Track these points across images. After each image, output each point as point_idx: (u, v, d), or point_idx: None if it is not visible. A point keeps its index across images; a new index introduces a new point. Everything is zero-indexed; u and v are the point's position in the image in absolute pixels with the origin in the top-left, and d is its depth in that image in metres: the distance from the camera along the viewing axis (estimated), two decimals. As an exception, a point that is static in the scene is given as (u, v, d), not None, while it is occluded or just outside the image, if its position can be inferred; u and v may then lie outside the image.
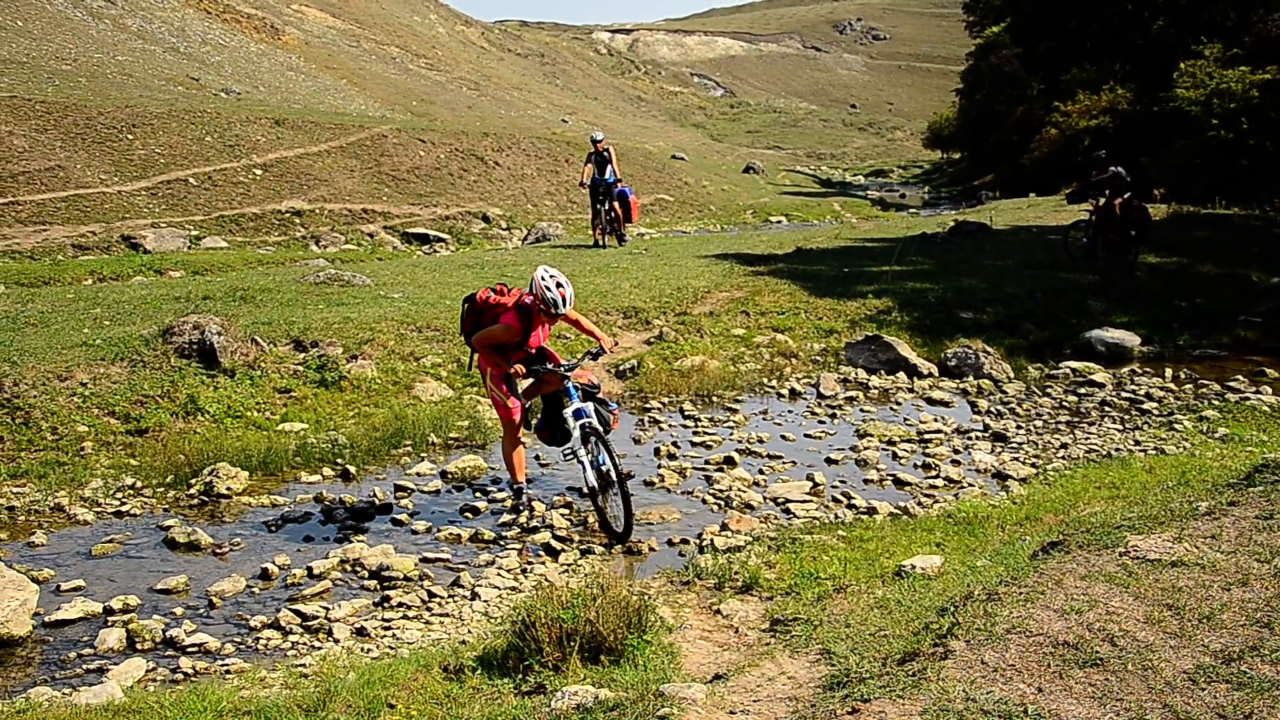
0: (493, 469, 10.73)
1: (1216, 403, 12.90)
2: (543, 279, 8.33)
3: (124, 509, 9.55)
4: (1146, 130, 34.55)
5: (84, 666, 6.90)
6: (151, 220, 25.45)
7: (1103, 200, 19.25)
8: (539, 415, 9.54)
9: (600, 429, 8.57)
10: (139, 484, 10.03)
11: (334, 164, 31.47)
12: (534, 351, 8.94)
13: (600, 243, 23.69)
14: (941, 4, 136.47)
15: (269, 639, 7.29)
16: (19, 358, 11.65)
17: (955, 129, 68.88)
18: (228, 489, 9.88)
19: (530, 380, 9.16)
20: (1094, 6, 44.85)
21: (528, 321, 8.64)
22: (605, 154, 22.92)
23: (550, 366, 8.82)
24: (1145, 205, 20.02)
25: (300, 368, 12.52)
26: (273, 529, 9.19)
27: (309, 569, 8.29)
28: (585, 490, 8.88)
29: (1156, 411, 12.73)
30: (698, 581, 6.85)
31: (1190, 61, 33.38)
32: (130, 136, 28.63)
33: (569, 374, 8.77)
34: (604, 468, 8.50)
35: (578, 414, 8.59)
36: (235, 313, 13.77)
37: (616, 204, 23.34)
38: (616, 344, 8.53)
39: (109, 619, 7.51)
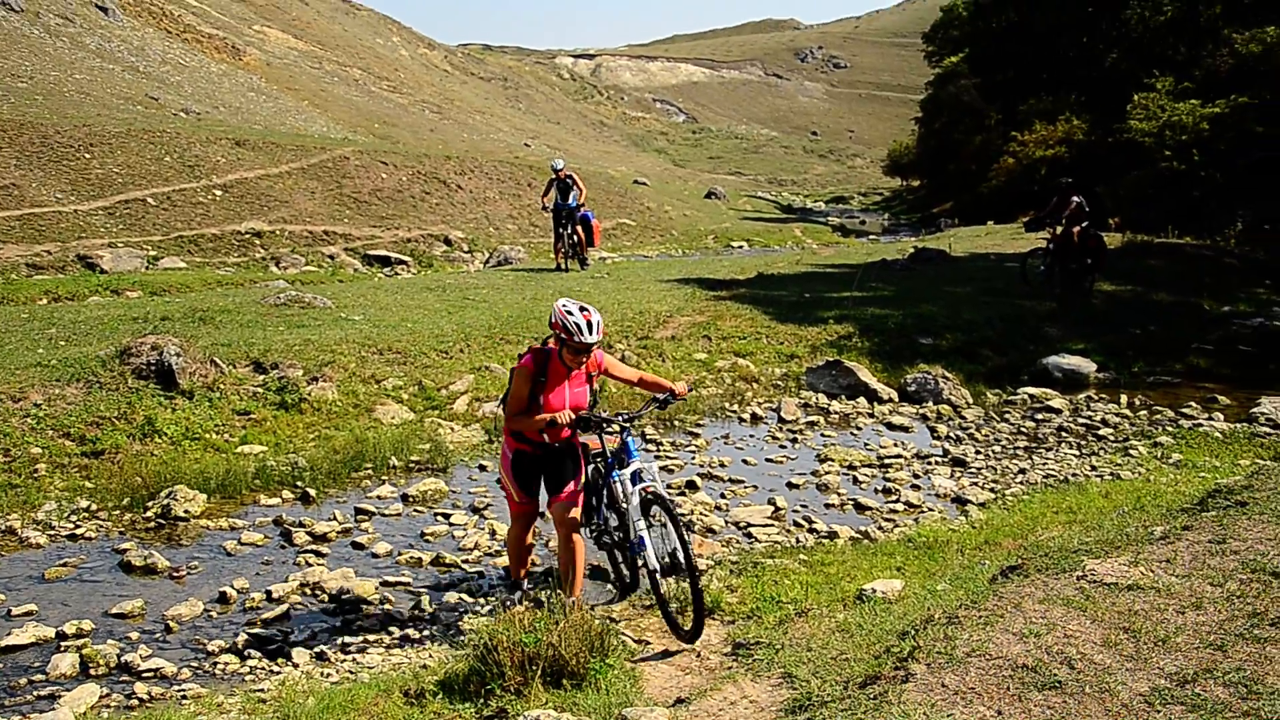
0: (454, 492, 10.70)
1: (1170, 429, 13.07)
2: (563, 305, 6.65)
3: (78, 532, 9.42)
4: (1102, 160, 35.00)
5: (35, 693, 6.78)
6: (109, 240, 25.21)
7: (1060, 229, 19.46)
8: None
9: (665, 496, 6.68)
10: (94, 507, 9.90)
11: (295, 185, 31.32)
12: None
13: (563, 266, 23.72)
14: (901, 34, 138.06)
15: (227, 664, 7.21)
16: (-28, 378, 11.49)
17: (915, 157, 69.47)
18: (185, 511, 9.78)
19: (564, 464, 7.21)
20: (1051, 39, 45.58)
21: (544, 366, 6.80)
22: (568, 180, 23.01)
23: (602, 415, 7.03)
24: (1101, 234, 20.29)
25: (260, 389, 12.42)
26: (231, 552, 9.11)
27: (268, 592, 8.22)
28: (635, 559, 7.14)
29: (1112, 437, 12.87)
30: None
31: (1143, 94, 33.90)
32: (88, 155, 28.36)
33: (629, 424, 6.98)
34: (674, 548, 6.51)
35: (636, 477, 6.75)
36: (194, 334, 13.65)
37: (579, 228, 23.40)
38: (692, 389, 7.47)
39: (62, 644, 7.39)
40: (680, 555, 6.39)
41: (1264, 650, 4.70)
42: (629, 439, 6.85)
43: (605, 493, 7.21)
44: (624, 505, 6.78)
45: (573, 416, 6.64)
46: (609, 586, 7.96)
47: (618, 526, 7.11)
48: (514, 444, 7.05)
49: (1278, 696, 4.31)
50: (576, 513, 7.09)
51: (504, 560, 9.00)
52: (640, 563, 6.76)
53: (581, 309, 6.58)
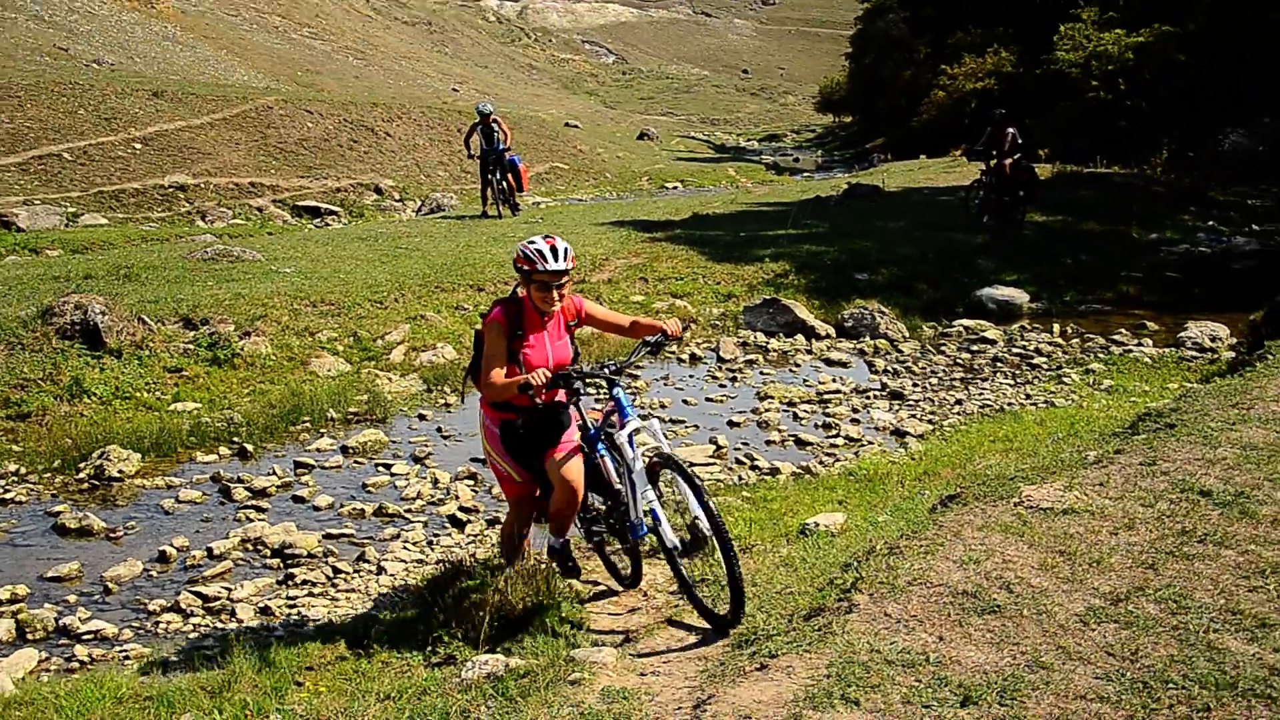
0: (394, 442, 10.65)
1: (1102, 356, 13.31)
2: (528, 239, 5.71)
3: (8, 496, 9.27)
4: (1030, 92, 35.22)
5: None
6: (24, 197, 24.55)
7: (993, 161, 19.58)
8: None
9: (676, 457, 5.55)
10: (23, 470, 9.74)
11: (218, 137, 30.69)
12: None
13: (495, 213, 23.48)
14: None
15: (169, 622, 7.18)
16: (-111, 344, 11.25)
17: (846, 93, 69.54)
18: (120, 472, 9.66)
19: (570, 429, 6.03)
20: (978, -30, 45.59)
21: (518, 318, 5.78)
22: (494, 124, 22.69)
23: (584, 368, 5.87)
24: (1033, 166, 20.45)
25: (191, 346, 12.25)
26: (169, 511, 9.02)
27: (209, 550, 8.17)
28: (636, 544, 6.04)
29: (1046, 366, 13.09)
30: (605, 547, 6.91)
31: (1070, 25, 34.12)
32: (-4, 110, 27.63)
33: (617, 376, 5.84)
34: (695, 517, 5.38)
35: (634, 437, 5.66)
36: (120, 291, 13.41)
37: (509, 174, 23.16)
38: (687, 328, 6.17)
39: None
40: (704, 525, 5.32)
41: (1192, 566, 4.84)
42: (620, 394, 5.78)
43: (591, 471, 6.04)
44: (617, 483, 5.79)
45: (548, 375, 5.45)
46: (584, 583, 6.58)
47: (610, 510, 6.05)
48: (497, 415, 5.92)
49: (1205, 610, 4.44)
50: (579, 464, 5.86)
51: (447, 508, 9.01)
52: (651, 543, 5.75)
53: (545, 237, 5.68)
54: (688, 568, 5.58)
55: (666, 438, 7.85)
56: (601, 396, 9.78)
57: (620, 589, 6.34)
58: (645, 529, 5.62)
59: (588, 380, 5.86)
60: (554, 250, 5.58)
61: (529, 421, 5.89)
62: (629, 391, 12.27)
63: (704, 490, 5.33)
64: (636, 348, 6.00)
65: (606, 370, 5.80)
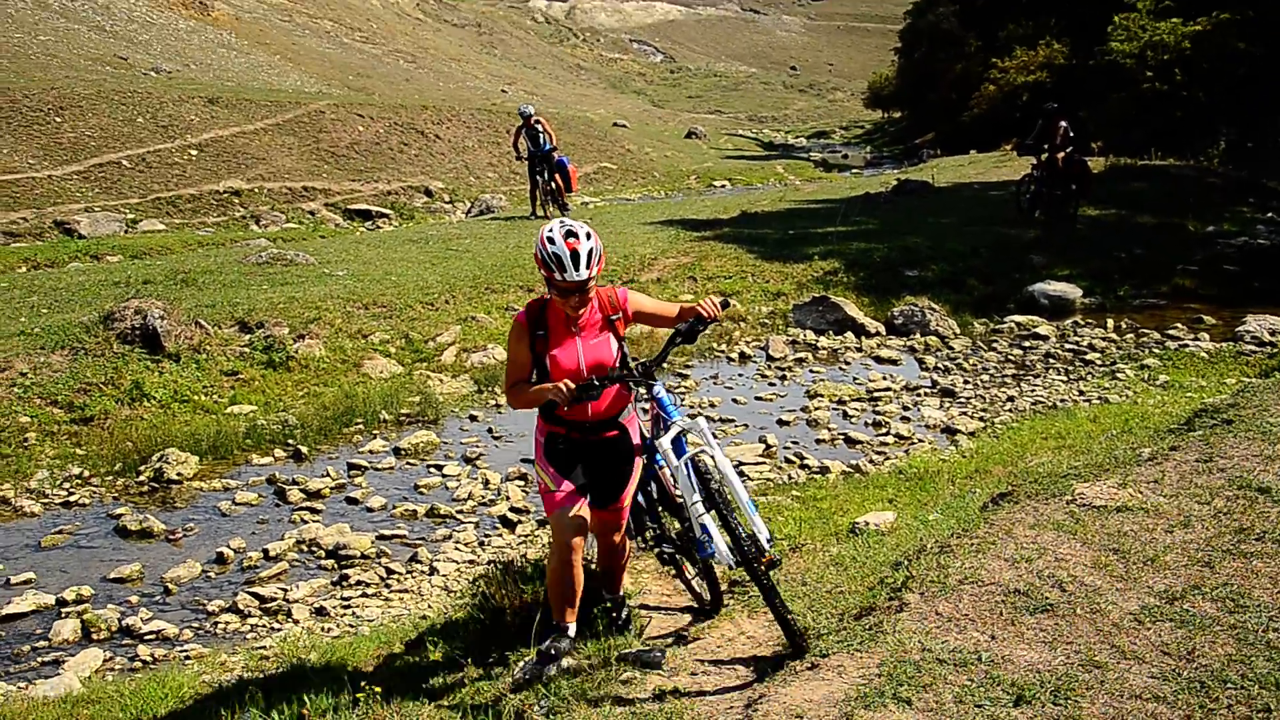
0: (446, 443, 10.73)
1: (1157, 351, 13.14)
2: (545, 232, 4.75)
3: (72, 499, 9.47)
4: (1083, 85, 34.78)
5: (39, 659, 6.89)
6: (85, 205, 24.96)
7: (1045, 155, 19.39)
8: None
9: (724, 461, 4.76)
10: (86, 473, 9.94)
11: (271, 142, 31.03)
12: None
13: (544, 214, 23.55)
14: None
15: (227, 623, 7.30)
16: (-46, 351, 11.49)
17: (895, 88, 68.97)
18: (178, 474, 9.82)
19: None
20: (1029, -38, 45.16)
21: (541, 317, 4.96)
22: (537, 125, 22.73)
23: (610, 372, 4.91)
24: (1085, 159, 20.22)
25: (246, 349, 12.42)
26: (226, 513, 9.15)
27: (265, 551, 8.29)
28: (707, 563, 5.27)
29: (1099, 361, 12.94)
30: (641, 542, 6.92)
31: (1124, 14, 33.61)
32: (58, 119, 28.02)
33: (648, 375, 4.95)
34: (754, 530, 4.63)
35: (680, 444, 4.84)
36: (177, 296, 13.61)
37: (557, 174, 23.21)
38: (726, 305, 4.99)
39: (62, 610, 7.47)
40: (762, 537, 4.61)
41: (1250, 565, 4.78)
42: (661, 394, 4.99)
43: (655, 488, 5.44)
44: (679, 496, 4.93)
45: (571, 388, 4.62)
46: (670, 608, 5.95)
47: (681, 530, 5.35)
48: (546, 426, 5.10)
49: (1263, 609, 4.38)
50: (618, 536, 5.22)
51: (498, 509, 9.04)
52: (717, 557, 4.71)
53: (567, 234, 4.68)
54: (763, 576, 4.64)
55: (716, 437, 7.07)
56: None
57: (701, 607, 5.67)
58: (723, 557, 4.66)
59: (618, 385, 4.97)
60: (574, 256, 4.64)
61: (579, 441, 5.03)
62: (676, 391, 12.29)
63: (751, 506, 4.66)
64: (669, 339, 5.05)
65: (635, 371, 4.95)
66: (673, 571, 5.96)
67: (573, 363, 4.87)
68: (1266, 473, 5.80)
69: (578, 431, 5.01)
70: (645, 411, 5.09)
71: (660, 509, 5.51)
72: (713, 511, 4.69)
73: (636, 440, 5.19)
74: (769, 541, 4.58)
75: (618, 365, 4.97)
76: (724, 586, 5.70)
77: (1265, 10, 29.32)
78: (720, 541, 4.62)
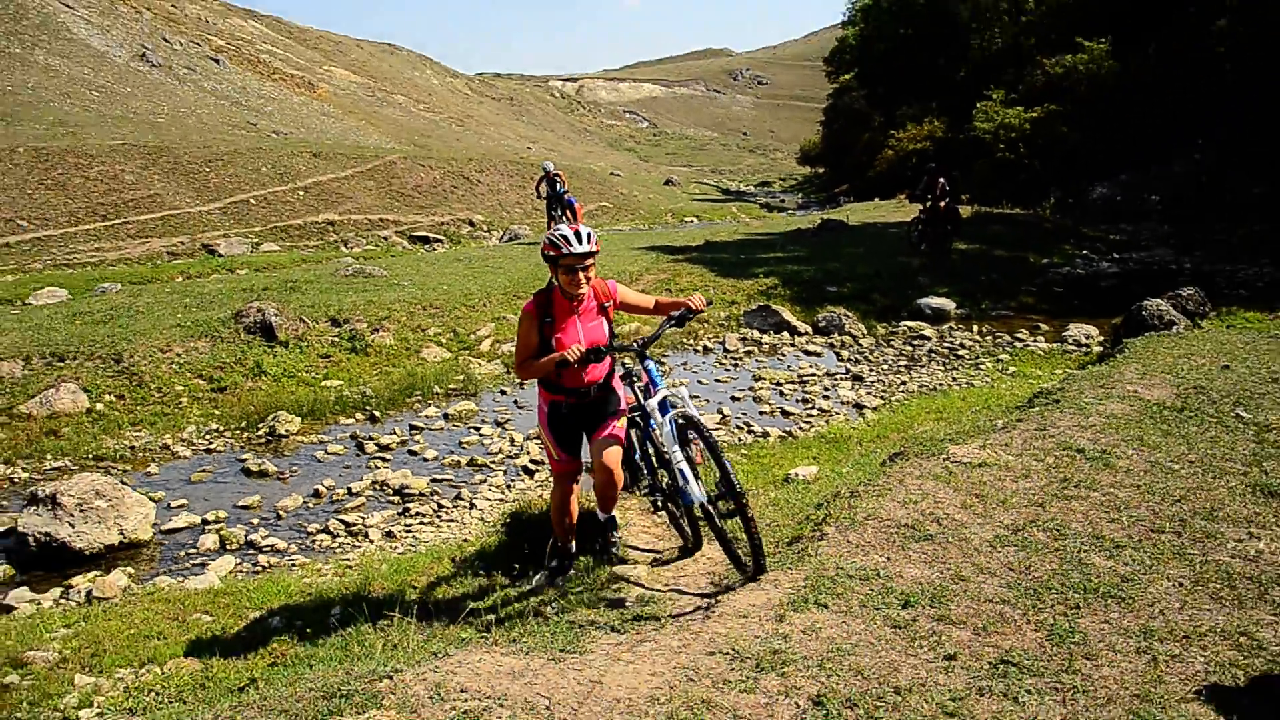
0: (482, 411, 10.71)
1: (1008, 349, 13.21)
2: (549, 233, 4.65)
3: (211, 447, 9.48)
4: (956, 152, 34.82)
5: (191, 562, 6.99)
6: (223, 232, 24.98)
7: (929, 203, 19.39)
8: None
9: (699, 419, 4.54)
10: (221, 429, 9.95)
11: (357, 185, 30.85)
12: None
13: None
14: (810, 57, 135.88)
15: (322, 541, 7.30)
16: (133, 337, 11.48)
17: (820, 151, 68.73)
18: (286, 431, 9.81)
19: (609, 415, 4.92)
20: (916, 62, 45.25)
21: (547, 305, 4.73)
22: (556, 177, 22.59)
23: (614, 343, 4.81)
24: (958, 207, 20.24)
25: (336, 339, 12.37)
26: (320, 460, 9.13)
27: (349, 489, 8.28)
28: (690, 509, 5.06)
29: (967, 356, 13.00)
30: (638, 491, 6.96)
31: (983, 102, 33.90)
32: (207, 169, 28.02)
33: (644, 350, 4.82)
34: (717, 478, 4.47)
35: (665, 405, 4.68)
36: (287, 299, 13.54)
37: (568, 211, 23.06)
38: (710, 303, 5.44)
39: (206, 527, 7.57)
40: (724, 483, 4.38)
41: (1069, 505, 4.83)
42: (650, 367, 4.81)
43: (650, 446, 5.09)
44: (667, 451, 4.62)
45: (581, 350, 4.47)
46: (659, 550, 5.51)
47: (669, 481, 4.93)
48: (548, 395, 4.88)
49: (1078, 536, 4.44)
50: (618, 451, 4.86)
51: (521, 460, 9.04)
52: (689, 498, 4.54)
53: (569, 225, 4.67)
54: (717, 517, 4.55)
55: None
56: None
57: (686, 555, 5.24)
58: (693, 496, 4.47)
59: (619, 354, 4.88)
60: (578, 235, 4.54)
61: (577, 404, 4.83)
62: (661, 370, 12.28)
63: (721, 450, 4.39)
64: (662, 323, 4.90)
65: (634, 346, 4.81)
66: (664, 518, 5.71)
67: (574, 341, 4.68)
68: (1082, 437, 5.85)
69: (575, 396, 4.81)
70: (638, 381, 4.84)
71: (656, 465, 5.14)
72: (686, 460, 4.48)
73: (625, 401, 4.97)
74: (729, 486, 4.32)
75: (610, 343, 4.78)
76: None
77: (1081, 105, 29.85)
78: (694, 484, 4.44)
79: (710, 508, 4.51)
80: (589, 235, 4.55)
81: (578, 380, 4.78)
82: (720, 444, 4.47)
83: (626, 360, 5.11)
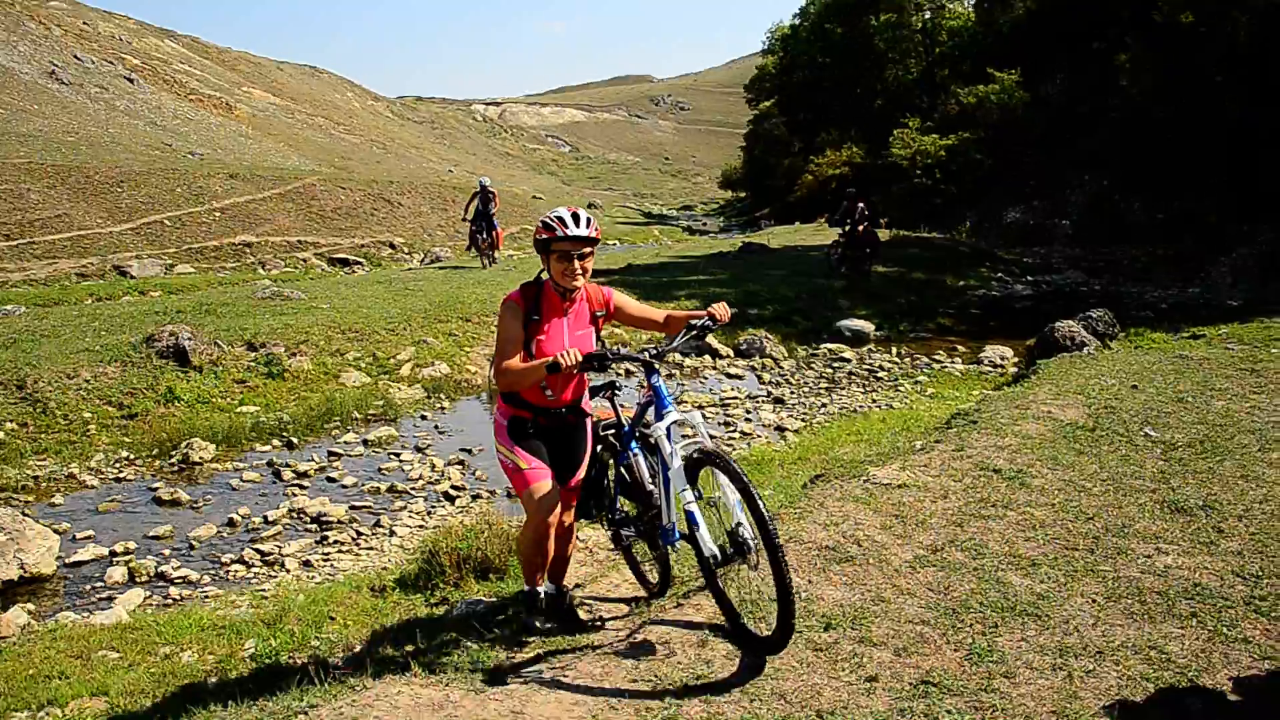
0: (402, 436, 10.49)
1: (926, 371, 13.50)
2: (549, 210, 4.05)
3: (121, 476, 9.10)
4: (874, 177, 35.76)
5: (97, 596, 6.71)
6: (136, 253, 24.15)
7: (848, 227, 19.74)
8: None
9: (722, 451, 3.86)
10: (132, 456, 9.57)
11: (275, 206, 30.17)
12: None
13: (488, 263, 22.81)
14: (729, 85, 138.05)
15: (237, 571, 7.06)
16: (38, 362, 10.99)
17: (741, 175, 69.61)
18: (200, 458, 9.47)
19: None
20: (835, 91, 46.40)
21: (535, 300, 4.04)
22: (491, 195, 22.28)
23: (621, 350, 3.92)
24: (876, 231, 20.69)
25: (253, 363, 12.00)
26: (235, 488, 8.83)
27: (265, 517, 8.02)
28: (667, 552, 4.31)
29: (887, 378, 13.24)
30: (602, 524, 6.71)
31: (900, 129, 34.84)
32: (119, 189, 27.17)
33: (657, 361, 4.07)
34: (738, 523, 3.62)
35: (675, 432, 3.92)
36: (202, 322, 13.11)
37: (492, 232, 22.72)
38: (735, 311, 4.58)
39: (114, 559, 7.27)
40: (745, 533, 3.57)
41: (987, 525, 4.92)
42: (660, 382, 3.98)
43: (624, 472, 4.33)
44: (650, 485, 4.06)
45: (580, 355, 3.74)
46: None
47: (641, 513, 4.23)
48: (508, 410, 4.14)
49: (995, 555, 4.51)
50: (569, 515, 4.34)
51: (442, 486, 8.85)
52: (687, 547, 3.92)
53: (566, 208, 3.99)
54: (723, 578, 3.84)
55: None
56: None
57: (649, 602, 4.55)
58: (678, 535, 3.94)
59: (622, 364, 3.82)
60: (575, 216, 3.89)
61: (543, 425, 4.12)
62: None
63: (755, 493, 3.53)
64: (683, 331, 4.21)
65: (646, 354, 4.00)
66: (622, 558, 4.90)
67: (559, 348, 3.94)
68: (999, 458, 5.98)
69: (544, 416, 4.11)
70: (635, 395, 4.13)
71: (625, 494, 4.39)
72: (700, 500, 3.79)
73: (603, 421, 4.35)
74: (765, 535, 3.47)
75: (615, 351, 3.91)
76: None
77: (994, 133, 30.86)
78: (705, 531, 3.69)
79: (712, 565, 3.70)
80: (588, 219, 3.92)
81: (559, 392, 4.10)
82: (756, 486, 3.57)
83: (596, 378, 4.35)
